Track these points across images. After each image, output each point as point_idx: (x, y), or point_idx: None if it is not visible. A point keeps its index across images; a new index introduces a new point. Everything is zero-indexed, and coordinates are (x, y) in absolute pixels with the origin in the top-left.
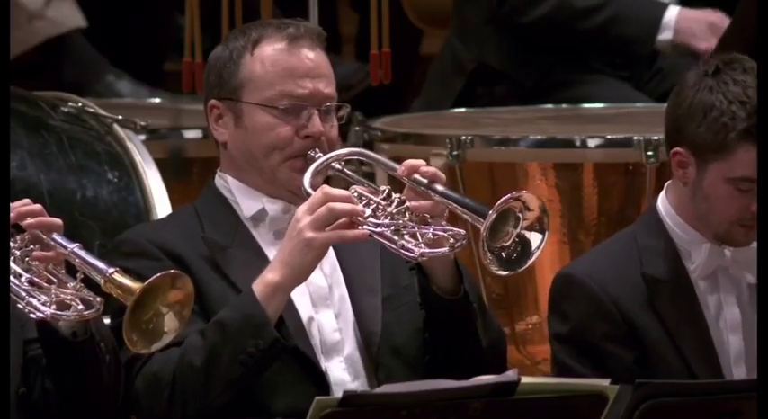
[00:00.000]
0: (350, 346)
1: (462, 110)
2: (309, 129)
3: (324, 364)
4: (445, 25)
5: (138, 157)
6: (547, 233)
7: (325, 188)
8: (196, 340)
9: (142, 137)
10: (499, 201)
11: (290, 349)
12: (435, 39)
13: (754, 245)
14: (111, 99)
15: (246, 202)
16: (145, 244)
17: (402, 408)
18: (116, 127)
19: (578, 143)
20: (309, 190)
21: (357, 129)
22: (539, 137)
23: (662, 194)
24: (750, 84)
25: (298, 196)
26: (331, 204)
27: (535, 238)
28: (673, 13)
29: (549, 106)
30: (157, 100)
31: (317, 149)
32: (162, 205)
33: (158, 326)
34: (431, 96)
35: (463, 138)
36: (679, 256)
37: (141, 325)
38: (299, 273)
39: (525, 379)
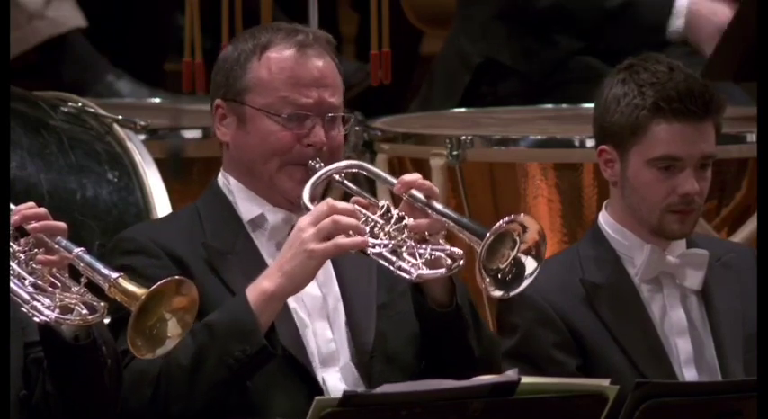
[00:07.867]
0: (345, 356)
1: (462, 110)
2: (311, 139)
3: (321, 374)
4: (444, 26)
5: (138, 157)
6: (542, 261)
7: (331, 201)
8: (186, 339)
9: (142, 137)
10: (498, 224)
11: (277, 356)
12: (435, 39)
13: (698, 251)
14: (111, 99)
15: (246, 205)
16: (145, 241)
17: (402, 408)
18: (116, 127)
19: (578, 143)
20: (308, 203)
21: (357, 129)
22: (539, 137)
23: (602, 209)
24: (661, 69)
25: (296, 205)
26: (336, 217)
27: (530, 264)
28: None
29: (549, 106)
30: (157, 100)
31: (318, 159)
32: (162, 205)
33: (162, 332)
34: (435, 94)
35: (463, 138)
36: (620, 262)
37: (145, 330)
38: (296, 283)
39: (525, 379)
